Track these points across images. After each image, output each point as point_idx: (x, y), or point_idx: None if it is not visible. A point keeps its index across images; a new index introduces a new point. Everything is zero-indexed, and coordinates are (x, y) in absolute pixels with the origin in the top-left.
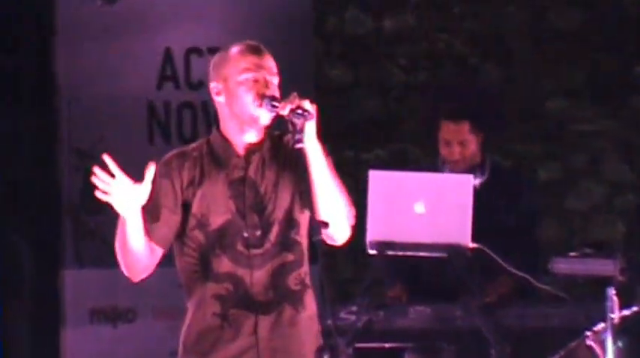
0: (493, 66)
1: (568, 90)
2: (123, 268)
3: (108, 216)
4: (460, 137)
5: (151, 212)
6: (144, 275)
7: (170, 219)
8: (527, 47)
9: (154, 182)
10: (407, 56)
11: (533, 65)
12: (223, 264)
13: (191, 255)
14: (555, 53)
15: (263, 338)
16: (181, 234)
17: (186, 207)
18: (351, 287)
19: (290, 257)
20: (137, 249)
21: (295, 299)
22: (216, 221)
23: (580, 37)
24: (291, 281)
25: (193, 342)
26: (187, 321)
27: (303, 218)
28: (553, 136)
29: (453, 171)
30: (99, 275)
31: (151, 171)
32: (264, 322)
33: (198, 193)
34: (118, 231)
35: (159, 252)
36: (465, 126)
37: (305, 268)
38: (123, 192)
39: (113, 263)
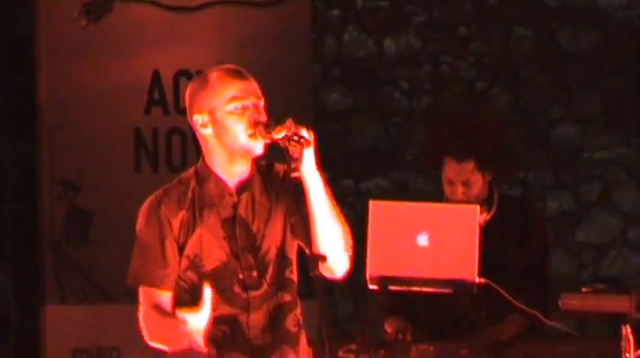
0: (501, 90)
1: (580, 117)
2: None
3: (92, 250)
4: (464, 177)
5: (159, 260)
6: None
7: (175, 262)
8: (537, 70)
9: (153, 226)
10: (409, 80)
11: (543, 90)
12: (220, 307)
13: (183, 296)
14: (566, 77)
15: None
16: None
17: (180, 249)
18: (350, 324)
19: (287, 297)
20: None
21: (293, 341)
22: (211, 263)
23: (592, 59)
24: (289, 323)
25: None
26: None
27: (294, 254)
28: (564, 165)
29: None
30: (82, 311)
31: (208, 294)
32: None
33: (193, 235)
34: (166, 326)
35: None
36: (470, 166)
37: (299, 308)
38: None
39: (97, 299)
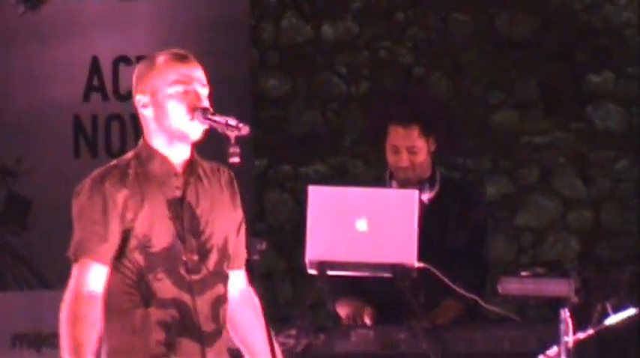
0: (440, 76)
1: (518, 102)
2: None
3: (30, 237)
4: (409, 143)
5: (101, 233)
6: None
7: (115, 237)
8: (475, 56)
9: (97, 201)
10: (347, 65)
11: (481, 75)
12: (167, 289)
13: (128, 276)
14: (505, 63)
15: None
16: (118, 254)
17: (128, 228)
18: (289, 309)
19: (222, 289)
20: None
21: (225, 333)
22: (160, 243)
23: (531, 45)
24: (222, 315)
25: None
26: (118, 349)
27: (232, 250)
28: (503, 149)
29: (401, 180)
30: (21, 298)
31: None
32: (210, 354)
33: (141, 214)
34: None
35: (107, 274)
36: (415, 131)
37: (227, 303)
38: None
39: (36, 285)
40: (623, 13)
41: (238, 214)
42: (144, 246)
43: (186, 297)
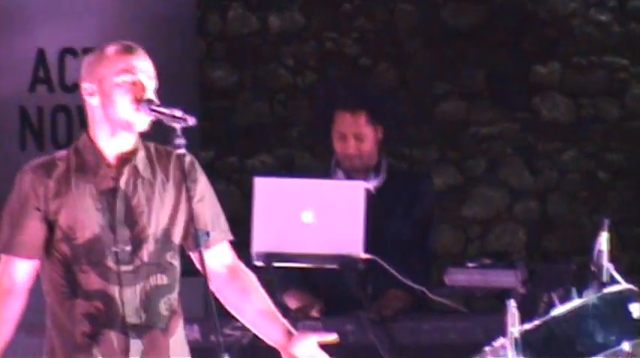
0: (386, 66)
1: (465, 92)
2: None
3: None
4: (356, 129)
5: (17, 226)
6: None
7: (35, 229)
8: (422, 47)
9: (16, 194)
10: (294, 56)
11: (428, 65)
12: (92, 281)
13: (57, 268)
14: (451, 53)
15: None
16: (48, 245)
17: (52, 219)
18: None
19: (163, 280)
20: None
21: (164, 325)
22: (84, 234)
23: (477, 35)
24: (162, 306)
25: None
26: (53, 341)
27: (179, 239)
28: (449, 140)
29: (347, 168)
30: None
31: None
32: (136, 345)
33: (65, 205)
34: None
35: (33, 266)
36: (362, 118)
37: (176, 294)
38: None
39: None
40: (570, 3)
41: (200, 196)
42: (68, 238)
43: (112, 289)
